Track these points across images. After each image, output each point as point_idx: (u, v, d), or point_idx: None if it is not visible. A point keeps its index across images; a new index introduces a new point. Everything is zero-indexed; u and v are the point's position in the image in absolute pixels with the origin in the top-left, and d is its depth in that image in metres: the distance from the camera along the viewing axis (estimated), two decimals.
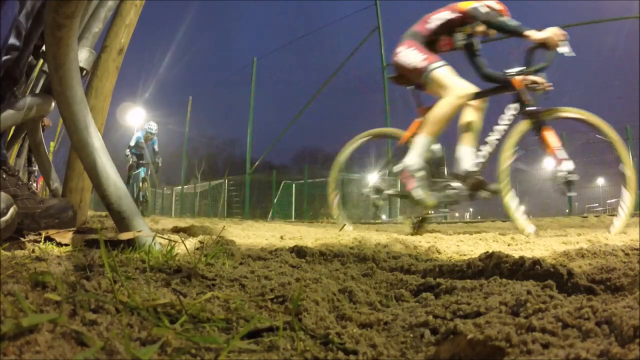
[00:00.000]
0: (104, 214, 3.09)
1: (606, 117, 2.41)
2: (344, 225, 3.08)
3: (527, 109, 2.54)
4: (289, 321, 0.51)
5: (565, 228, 3.20)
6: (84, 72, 1.59)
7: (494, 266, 0.91)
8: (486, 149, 2.68)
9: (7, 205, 1.03)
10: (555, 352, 0.38)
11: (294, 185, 15.14)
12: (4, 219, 1.02)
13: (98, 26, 1.63)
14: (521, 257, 0.89)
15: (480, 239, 1.91)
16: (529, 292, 0.60)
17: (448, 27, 2.83)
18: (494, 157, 2.62)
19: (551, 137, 2.47)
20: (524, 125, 2.53)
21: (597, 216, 5.51)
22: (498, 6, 2.70)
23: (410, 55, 2.80)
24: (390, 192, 3.11)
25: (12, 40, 1.36)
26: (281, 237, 2.20)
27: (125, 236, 1.03)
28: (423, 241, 1.79)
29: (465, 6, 2.73)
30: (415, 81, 2.87)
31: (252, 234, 2.45)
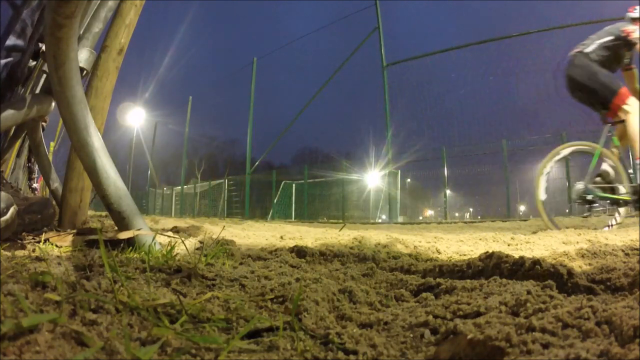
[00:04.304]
0: (104, 214, 3.09)
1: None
2: (344, 225, 3.33)
3: None
4: (289, 321, 0.51)
5: (564, 228, 3.20)
6: (84, 72, 1.59)
7: (494, 266, 0.91)
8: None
9: (7, 204, 1.03)
10: (555, 352, 0.38)
11: (294, 185, 15.13)
12: (4, 218, 1.02)
13: (98, 26, 1.63)
14: (521, 257, 0.89)
15: (480, 239, 1.91)
16: (529, 292, 0.60)
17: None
18: None
19: None
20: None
21: (597, 216, 5.49)
22: None
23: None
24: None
25: (16, 41, 1.36)
26: (281, 237, 2.20)
27: (124, 235, 1.03)
28: (423, 241, 1.79)
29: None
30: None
31: (252, 234, 2.45)
